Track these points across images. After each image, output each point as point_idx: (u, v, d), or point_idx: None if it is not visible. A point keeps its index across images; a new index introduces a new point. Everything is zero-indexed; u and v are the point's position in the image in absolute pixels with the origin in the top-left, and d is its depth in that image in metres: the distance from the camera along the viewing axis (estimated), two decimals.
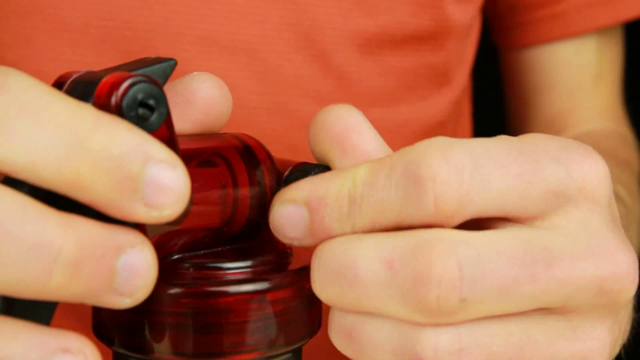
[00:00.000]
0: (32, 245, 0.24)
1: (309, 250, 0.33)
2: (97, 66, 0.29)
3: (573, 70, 0.66)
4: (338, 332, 0.29)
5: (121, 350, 0.30)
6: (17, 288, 0.24)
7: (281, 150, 0.31)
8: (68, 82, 0.28)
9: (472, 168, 0.27)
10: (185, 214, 0.26)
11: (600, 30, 0.66)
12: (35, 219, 0.24)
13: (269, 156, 0.32)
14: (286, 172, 0.32)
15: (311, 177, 0.29)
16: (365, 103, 0.57)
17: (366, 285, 0.27)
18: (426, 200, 0.27)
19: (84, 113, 0.25)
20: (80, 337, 0.25)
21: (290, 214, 0.29)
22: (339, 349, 0.29)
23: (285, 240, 0.29)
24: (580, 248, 0.27)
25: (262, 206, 0.31)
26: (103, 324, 0.30)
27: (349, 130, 0.29)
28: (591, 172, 0.28)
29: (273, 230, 0.29)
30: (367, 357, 0.28)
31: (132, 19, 0.51)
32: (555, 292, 0.27)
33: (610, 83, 0.68)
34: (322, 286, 0.28)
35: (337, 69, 0.55)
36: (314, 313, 0.31)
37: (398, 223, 0.28)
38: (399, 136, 0.58)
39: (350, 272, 0.27)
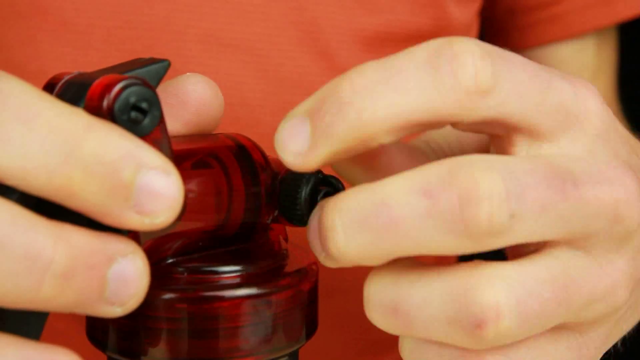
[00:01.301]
0: (22, 256, 0.23)
1: (306, 253, 0.33)
2: (100, 66, 0.29)
3: (572, 68, 0.66)
4: (380, 309, 0.27)
5: (115, 356, 0.29)
6: (6, 299, 0.24)
7: None
8: (60, 84, 0.28)
9: (496, 53, 0.27)
10: (178, 219, 0.26)
11: (600, 30, 0.66)
12: (25, 229, 0.24)
13: (263, 156, 0.32)
14: (282, 174, 0.31)
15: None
16: None
17: (404, 223, 0.26)
18: (465, 74, 0.26)
19: (76, 119, 0.25)
20: (68, 353, 0.25)
21: (292, 126, 0.27)
22: (383, 328, 0.28)
23: (290, 158, 0.27)
24: (594, 172, 0.28)
25: (257, 208, 0.31)
26: (97, 328, 0.30)
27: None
28: (592, 100, 0.29)
29: (277, 151, 0.27)
30: (419, 330, 0.27)
31: (135, 18, 0.50)
32: (581, 213, 0.27)
33: (608, 80, 0.68)
34: (348, 239, 0.26)
35: (341, 67, 0.55)
36: (310, 315, 0.31)
37: (424, 111, 0.26)
38: None
39: (383, 212, 0.26)
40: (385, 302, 0.27)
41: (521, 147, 0.28)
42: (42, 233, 0.24)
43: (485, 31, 0.69)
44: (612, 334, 0.31)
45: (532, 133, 0.28)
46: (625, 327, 0.32)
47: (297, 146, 0.27)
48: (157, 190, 0.25)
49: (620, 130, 0.31)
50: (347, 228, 0.26)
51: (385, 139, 0.27)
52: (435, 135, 0.34)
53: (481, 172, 0.25)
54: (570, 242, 0.28)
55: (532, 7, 0.65)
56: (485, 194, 0.25)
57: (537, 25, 0.65)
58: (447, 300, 0.26)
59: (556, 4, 0.64)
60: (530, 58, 0.71)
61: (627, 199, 0.28)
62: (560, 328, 0.29)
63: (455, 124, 0.27)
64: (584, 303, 0.28)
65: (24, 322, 0.26)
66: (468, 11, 0.60)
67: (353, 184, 0.30)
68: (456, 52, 0.26)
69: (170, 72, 0.58)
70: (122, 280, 0.25)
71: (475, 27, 0.63)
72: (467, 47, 0.26)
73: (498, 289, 0.26)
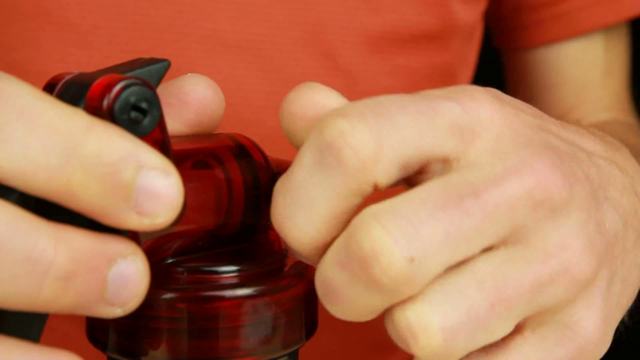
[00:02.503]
0: (23, 259, 0.24)
1: None
2: (104, 67, 0.29)
3: (581, 67, 0.66)
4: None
5: (115, 356, 0.29)
6: (6, 301, 0.24)
7: (287, 150, 0.30)
8: (60, 84, 0.28)
9: (371, 116, 0.27)
10: (178, 220, 0.26)
11: (607, 27, 0.66)
12: (26, 231, 0.24)
13: (263, 156, 0.32)
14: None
15: None
16: None
17: (342, 293, 0.27)
18: (347, 159, 0.26)
19: (77, 119, 0.25)
20: (71, 355, 0.25)
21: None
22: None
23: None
24: (498, 172, 0.27)
25: (258, 207, 0.31)
26: (97, 328, 0.30)
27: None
28: (482, 108, 0.28)
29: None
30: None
31: (139, 19, 0.50)
32: (494, 217, 0.27)
33: (619, 78, 0.68)
34: (329, 308, 0.28)
35: (344, 67, 0.55)
36: (310, 315, 0.31)
37: (338, 212, 0.27)
38: None
39: (328, 288, 0.27)
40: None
41: (434, 173, 0.28)
42: (42, 235, 0.24)
43: (492, 31, 0.69)
44: (610, 312, 0.30)
45: (438, 160, 0.28)
46: (624, 302, 0.32)
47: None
48: (157, 191, 0.25)
49: (528, 119, 0.30)
50: (322, 298, 0.28)
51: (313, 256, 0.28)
52: None
53: (364, 234, 0.26)
54: (504, 242, 0.27)
55: (538, 5, 0.64)
56: (372, 254, 0.26)
57: (543, 24, 0.65)
58: (387, 320, 0.27)
59: (562, 2, 0.64)
60: (537, 57, 0.71)
61: (539, 183, 0.27)
62: (540, 325, 0.29)
63: (370, 194, 0.28)
64: (530, 293, 0.27)
65: (25, 323, 0.26)
66: (473, 11, 0.60)
67: None
68: (331, 144, 0.26)
69: (173, 72, 0.58)
70: (122, 281, 0.25)
71: (479, 28, 0.63)
72: (337, 127, 0.26)
73: (409, 309, 0.26)
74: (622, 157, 0.35)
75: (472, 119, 0.28)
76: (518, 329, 0.29)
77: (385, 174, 0.27)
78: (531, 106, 0.32)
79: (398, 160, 0.27)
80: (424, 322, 0.26)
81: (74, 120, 0.25)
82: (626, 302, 0.32)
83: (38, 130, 0.24)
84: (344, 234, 0.27)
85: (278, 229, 0.28)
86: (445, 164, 0.28)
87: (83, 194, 0.24)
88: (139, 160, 0.25)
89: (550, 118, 0.32)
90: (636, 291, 0.33)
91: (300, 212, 0.27)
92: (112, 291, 0.25)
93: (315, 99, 0.29)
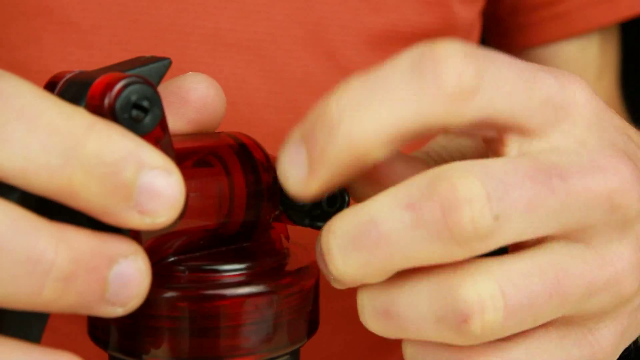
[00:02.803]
0: (24, 260, 0.24)
1: (307, 252, 0.33)
2: (105, 66, 0.29)
3: (577, 67, 0.66)
4: (373, 315, 0.28)
5: (117, 354, 0.29)
6: (7, 301, 0.24)
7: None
8: (61, 82, 0.28)
9: (480, 53, 0.27)
10: (179, 219, 0.26)
11: (603, 28, 0.66)
12: (27, 232, 0.24)
13: (265, 155, 0.32)
14: None
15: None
16: None
17: (392, 237, 0.26)
18: (448, 78, 0.26)
19: (78, 118, 0.25)
20: (72, 356, 0.25)
21: (290, 153, 0.27)
22: (379, 332, 0.28)
23: (293, 188, 0.27)
24: (585, 163, 0.27)
25: (259, 206, 0.31)
26: (99, 327, 0.30)
27: None
28: (579, 92, 0.29)
29: (281, 181, 0.27)
30: (411, 331, 0.27)
31: (140, 18, 0.50)
32: (573, 206, 0.27)
33: (611, 78, 0.68)
34: (344, 259, 0.27)
35: (346, 66, 0.55)
36: (311, 314, 0.31)
37: (413, 122, 0.26)
38: None
39: (371, 230, 0.26)
40: (377, 307, 0.28)
41: (512, 146, 0.28)
42: (43, 236, 0.24)
43: (488, 31, 0.69)
44: (629, 330, 0.31)
45: (521, 131, 0.28)
46: None
47: (296, 173, 0.27)
48: (159, 190, 0.25)
49: (615, 120, 0.31)
50: (342, 249, 0.27)
51: (379, 154, 0.26)
52: (436, 145, 0.34)
53: (459, 179, 0.26)
54: (567, 236, 0.28)
55: (535, 5, 0.64)
56: (465, 198, 0.25)
57: (540, 24, 0.65)
58: (433, 299, 0.27)
59: (559, 3, 0.64)
60: (533, 58, 0.71)
61: (622, 187, 0.28)
62: (566, 324, 0.29)
63: (446, 130, 0.27)
64: (583, 294, 0.28)
65: (25, 324, 0.26)
66: (472, 10, 0.60)
67: (357, 198, 0.30)
68: (438, 57, 0.26)
69: (174, 72, 0.58)
70: (123, 281, 0.25)
71: (477, 27, 0.63)
72: (449, 50, 0.26)
73: (481, 283, 0.26)
74: None
75: (568, 99, 0.28)
76: (543, 324, 0.29)
77: (471, 115, 0.26)
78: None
79: (488, 110, 0.27)
80: (494, 297, 0.26)
81: (74, 120, 0.24)
82: None
83: (38, 130, 0.24)
84: (425, 175, 0.26)
85: (335, 118, 0.26)
86: (525, 137, 0.28)
87: (84, 194, 0.24)
88: (140, 159, 0.25)
89: (629, 125, 0.32)
90: None
91: (373, 105, 0.26)
92: (113, 291, 0.25)
93: None
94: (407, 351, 0.29)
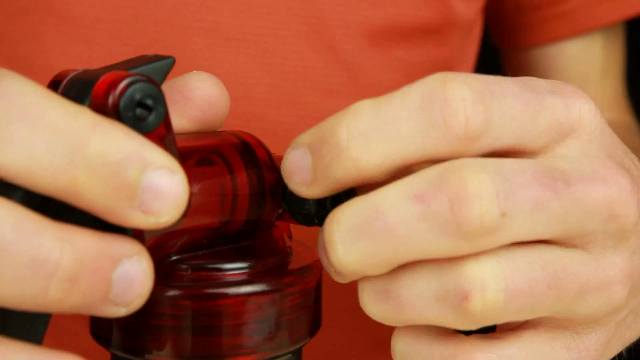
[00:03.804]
0: (28, 262, 0.23)
1: (310, 250, 0.32)
2: (106, 61, 0.29)
3: (581, 66, 0.66)
4: (372, 296, 0.28)
5: (119, 353, 0.29)
6: (12, 302, 0.24)
7: (289, 143, 0.30)
8: (65, 81, 0.27)
9: (488, 93, 0.27)
10: (182, 217, 0.26)
11: (607, 26, 0.66)
12: (31, 233, 0.24)
13: (268, 153, 0.32)
14: None
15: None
16: (374, 96, 0.56)
17: (398, 228, 0.26)
18: (456, 122, 0.26)
19: (82, 118, 0.25)
20: (75, 357, 0.25)
21: (296, 158, 0.28)
22: (377, 316, 0.28)
23: (296, 187, 0.29)
24: (587, 172, 0.28)
25: (262, 205, 0.31)
26: (101, 326, 0.30)
27: None
28: (584, 107, 0.29)
29: (284, 179, 0.29)
30: (410, 313, 0.28)
31: (141, 12, 0.50)
32: (575, 212, 0.27)
33: (616, 76, 0.68)
34: (346, 248, 0.27)
35: (346, 61, 0.55)
36: (314, 313, 0.31)
37: (417, 157, 0.27)
38: None
39: (377, 220, 0.26)
40: (376, 288, 0.28)
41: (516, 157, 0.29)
42: (48, 237, 0.24)
43: (492, 29, 0.69)
44: (614, 340, 0.31)
45: (526, 152, 0.29)
46: (628, 335, 0.32)
47: (301, 178, 0.28)
48: (162, 190, 0.25)
49: (613, 135, 0.31)
50: (345, 238, 0.27)
51: (381, 179, 0.28)
52: None
53: (470, 174, 0.26)
54: (566, 241, 0.28)
55: (539, 4, 0.64)
56: (475, 193, 0.26)
57: (544, 23, 0.65)
58: (434, 277, 0.27)
59: (563, 2, 0.64)
60: (537, 56, 0.71)
61: (621, 198, 0.28)
62: (556, 327, 0.29)
63: None
64: (576, 293, 0.28)
65: (28, 324, 0.26)
66: (473, 7, 0.59)
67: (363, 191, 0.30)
68: (448, 99, 0.27)
69: (175, 66, 0.58)
70: (127, 281, 0.25)
71: (479, 23, 0.63)
72: (459, 92, 0.27)
73: (485, 263, 0.27)
74: None
75: (573, 117, 0.29)
76: (533, 323, 0.30)
77: (475, 152, 0.27)
78: None
79: (494, 145, 0.27)
80: (497, 278, 0.27)
81: (79, 120, 0.24)
82: (630, 335, 0.33)
83: (42, 130, 0.24)
84: (436, 168, 0.26)
85: (344, 143, 0.27)
86: (531, 154, 0.29)
87: (88, 194, 0.24)
88: (144, 159, 0.25)
89: (621, 142, 0.33)
90: None
91: (381, 137, 0.27)
92: (116, 291, 0.25)
93: None
94: (397, 347, 0.29)
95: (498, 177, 0.26)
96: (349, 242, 0.27)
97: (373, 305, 0.28)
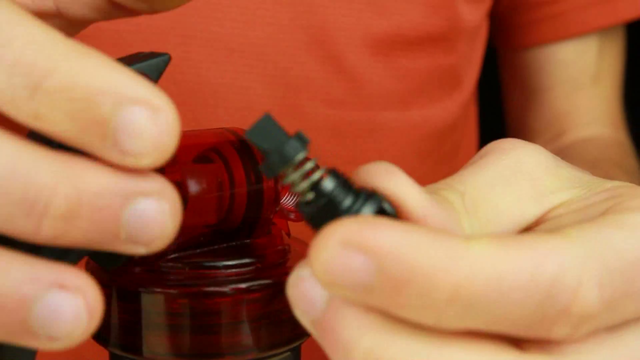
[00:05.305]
0: (20, 199, 0.22)
1: (308, 248, 0.32)
2: None
3: (573, 70, 0.65)
4: None
5: (117, 351, 0.29)
6: (8, 234, 0.22)
7: None
8: None
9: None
10: (172, 160, 0.24)
11: (601, 31, 0.65)
12: (26, 168, 0.22)
13: None
14: None
15: None
16: (377, 106, 0.56)
17: None
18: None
19: (49, 48, 0.22)
20: (80, 273, 0.23)
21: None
22: None
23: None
24: None
25: (259, 202, 0.31)
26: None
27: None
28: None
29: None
30: None
31: (142, 21, 0.50)
32: None
33: (609, 85, 0.67)
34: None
35: (349, 71, 0.55)
36: None
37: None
38: (410, 140, 0.57)
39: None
40: None
41: None
42: (43, 172, 0.22)
43: (488, 29, 0.69)
44: None
45: None
46: None
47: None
48: (140, 129, 0.22)
49: None
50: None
51: None
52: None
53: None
54: None
55: (534, 4, 0.64)
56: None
57: (538, 24, 0.65)
58: None
59: (556, 3, 0.63)
60: (530, 58, 0.70)
61: None
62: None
63: None
64: None
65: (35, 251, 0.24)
66: (478, 11, 0.59)
67: None
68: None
69: (177, 76, 0.58)
70: (142, 221, 0.23)
71: (484, 28, 0.63)
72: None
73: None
74: None
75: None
76: None
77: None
78: None
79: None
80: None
81: (45, 50, 0.22)
82: None
83: (5, 60, 0.22)
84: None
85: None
86: None
87: (55, 129, 0.22)
88: (118, 93, 0.22)
89: None
90: None
91: None
92: (129, 231, 0.23)
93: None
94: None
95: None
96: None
97: None
